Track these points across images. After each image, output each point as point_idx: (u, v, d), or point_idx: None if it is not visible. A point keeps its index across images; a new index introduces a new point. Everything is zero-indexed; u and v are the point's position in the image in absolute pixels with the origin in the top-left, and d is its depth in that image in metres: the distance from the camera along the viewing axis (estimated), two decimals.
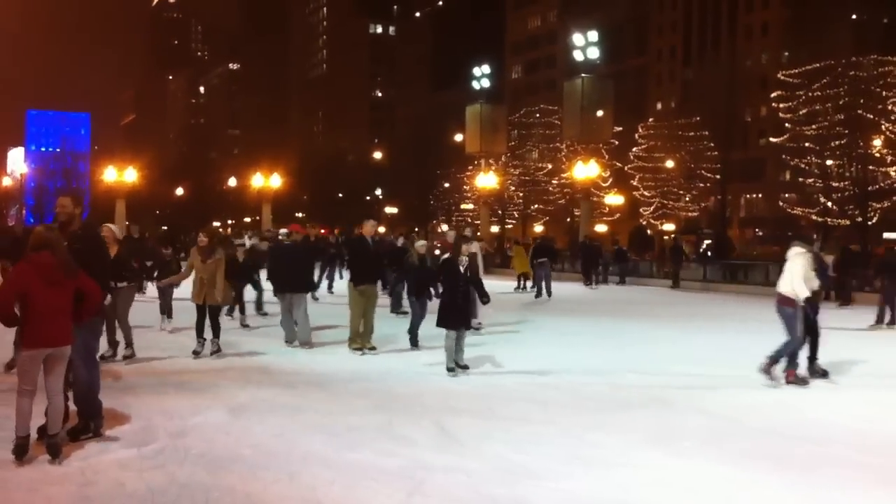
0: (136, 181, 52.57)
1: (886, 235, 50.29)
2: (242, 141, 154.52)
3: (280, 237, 15.24)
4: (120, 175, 50.53)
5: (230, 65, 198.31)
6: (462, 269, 11.18)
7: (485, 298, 11.77)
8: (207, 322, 12.37)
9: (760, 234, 71.46)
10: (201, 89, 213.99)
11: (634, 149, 66.76)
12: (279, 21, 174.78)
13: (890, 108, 47.21)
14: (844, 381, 11.10)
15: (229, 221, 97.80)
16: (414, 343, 13.39)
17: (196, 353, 12.27)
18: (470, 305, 11.51)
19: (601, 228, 66.53)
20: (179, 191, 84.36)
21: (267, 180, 53.59)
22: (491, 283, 15.00)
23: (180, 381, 10.39)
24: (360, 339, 12.90)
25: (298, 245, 13.86)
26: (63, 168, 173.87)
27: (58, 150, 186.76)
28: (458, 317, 11.06)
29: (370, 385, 10.30)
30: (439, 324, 11.14)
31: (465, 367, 11.20)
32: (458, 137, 62.22)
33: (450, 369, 10.98)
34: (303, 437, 7.60)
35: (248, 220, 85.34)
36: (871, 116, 47.74)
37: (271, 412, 8.63)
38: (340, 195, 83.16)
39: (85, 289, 6.86)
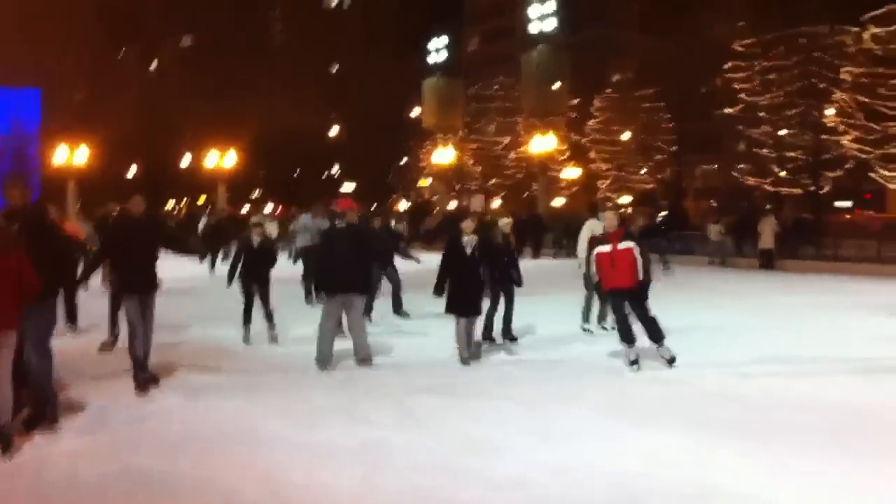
0: (88, 160, 51.60)
1: (838, 204, 51.16)
2: (197, 115, 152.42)
3: (334, 219, 11.65)
4: (71, 154, 49.57)
5: (184, 37, 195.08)
6: (469, 250, 10.19)
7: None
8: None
9: (715, 204, 72.29)
10: (155, 62, 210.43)
11: (591, 122, 66.94)
12: None
13: (843, 76, 47.77)
14: (799, 350, 11.24)
15: (184, 199, 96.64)
16: (488, 337, 11.50)
17: (105, 346, 11.29)
18: (479, 291, 10.39)
19: (559, 202, 66.75)
20: (133, 169, 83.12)
21: (222, 158, 52.93)
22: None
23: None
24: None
25: (358, 230, 10.83)
26: (13, 147, 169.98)
27: (7, 129, 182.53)
28: (464, 302, 10.20)
29: (331, 366, 10.21)
30: (447, 309, 10.34)
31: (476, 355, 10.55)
32: (416, 111, 61.91)
33: (463, 360, 10.24)
34: (261, 420, 7.52)
35: (203, 197, 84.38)
36: (824, 85, 48.34)
37: (228, 395, 8.53)
38: (297, 172, 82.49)
39: (23, 272, 6.62)
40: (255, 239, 12.25)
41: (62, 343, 8.91)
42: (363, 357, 10.18)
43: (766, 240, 26.82)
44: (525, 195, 67.36)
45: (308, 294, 15.84)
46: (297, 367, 10.16)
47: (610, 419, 7.49)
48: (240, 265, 12.11)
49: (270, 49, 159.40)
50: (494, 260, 10.80)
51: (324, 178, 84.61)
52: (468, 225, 10.21)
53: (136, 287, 9.05)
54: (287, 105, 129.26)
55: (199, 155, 64.25)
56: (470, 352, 10.30)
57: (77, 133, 65.16)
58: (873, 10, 46.63)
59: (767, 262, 26.73)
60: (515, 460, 6.35)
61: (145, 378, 8.91)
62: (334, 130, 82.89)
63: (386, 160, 78.62)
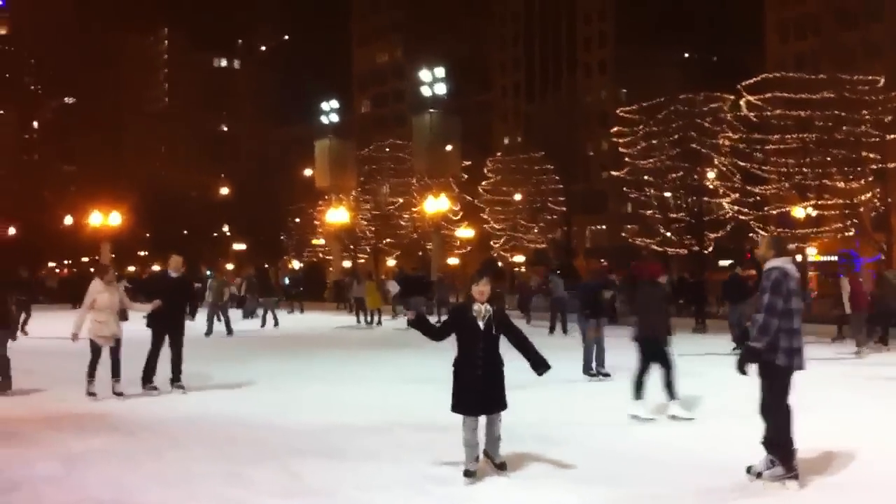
0: None
1: (721, 263, 52.90)
2: (79, 177, 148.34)
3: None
4: None
5: (66, 98, 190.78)
6: (482, 323, 7.19)
7: (540, 368, 7.42)
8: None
9: (605, 263, 73.81)
10: (35, 124, 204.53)
11: (483, 183, 67.90)
12: (117, 54, 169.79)
13: (721, 142, 49.89)
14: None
15: (66, 262, 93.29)
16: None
17: None
18: (498, 380, 7.28)
19: (453, 261, 67.12)
20: (12, 230, 79.68)
21: (106, 218, 51.24)
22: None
23: (8, 430, 9.61)
24: None
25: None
26: None
27: None
28: (478, 397, 7.20)
29: (212, 429, 9.74)
30: (454, 408, 7.35)
31: (503, 466, 7.45)
32: (308, 172, 61.64)
33: (467, 473, 7.28)
34: (139, 488, 7.08)
35: (85, 259, 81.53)
36: (704, 150, 50.38)
37: (107, 462, 8.04)
38: (185, 232, 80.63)
39: None
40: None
41: None
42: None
43: None
44: (419, 254, 67.52)
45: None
46: (180, 430, 9.65)
47: (499, 477, 7.31)
48: None
49: (155, 110, 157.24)
50: None
51: (214, 236, 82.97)
52: (481, 290, 7.21)
53: None
54: (174, 165, 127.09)
55: (82, 215, 62.12)
56: (494, 460, 7.54)
57: None
58: (740, 79, 49.03)
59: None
60: None
61: None
62: (224, 190, 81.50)
63: (277, 220, 77.80)
